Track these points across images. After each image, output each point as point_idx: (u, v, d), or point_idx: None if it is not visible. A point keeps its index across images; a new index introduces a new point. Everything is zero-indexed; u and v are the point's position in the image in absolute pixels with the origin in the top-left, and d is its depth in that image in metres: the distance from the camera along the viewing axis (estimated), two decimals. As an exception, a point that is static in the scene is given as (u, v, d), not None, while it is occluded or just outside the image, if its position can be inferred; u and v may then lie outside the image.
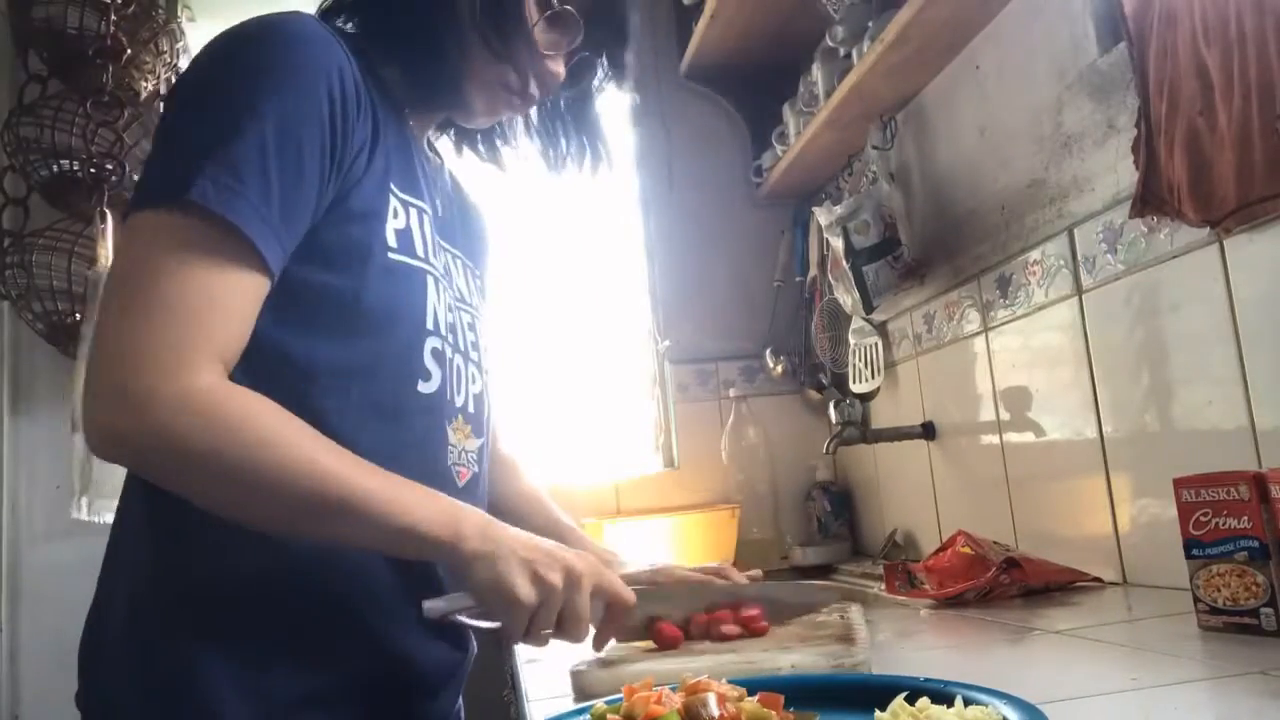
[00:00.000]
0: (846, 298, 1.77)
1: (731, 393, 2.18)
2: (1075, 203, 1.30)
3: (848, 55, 1.70)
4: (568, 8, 0.88)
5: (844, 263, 1.70)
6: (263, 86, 0.72)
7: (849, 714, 0.62)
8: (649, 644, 0.88)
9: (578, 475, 2.17)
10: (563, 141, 1.02)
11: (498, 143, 1.05)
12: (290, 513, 0.70)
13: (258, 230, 0.70)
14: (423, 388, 0.83)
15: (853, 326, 1.93)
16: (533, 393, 2.23)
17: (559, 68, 0.91)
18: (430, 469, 0.79)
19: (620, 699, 0.62)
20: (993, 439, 1.53)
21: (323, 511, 0.70)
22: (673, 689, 0.61)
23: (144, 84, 2.06)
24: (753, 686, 0.62)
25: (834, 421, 1.85)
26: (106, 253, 1.88)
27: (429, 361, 0.83)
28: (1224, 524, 0.83)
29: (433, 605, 0.75)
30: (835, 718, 0.62)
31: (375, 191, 0.80)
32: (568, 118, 1.02)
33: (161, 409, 0.66)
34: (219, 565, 0.77)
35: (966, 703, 0.58)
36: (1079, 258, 1.29)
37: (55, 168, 1.95)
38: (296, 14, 0.77)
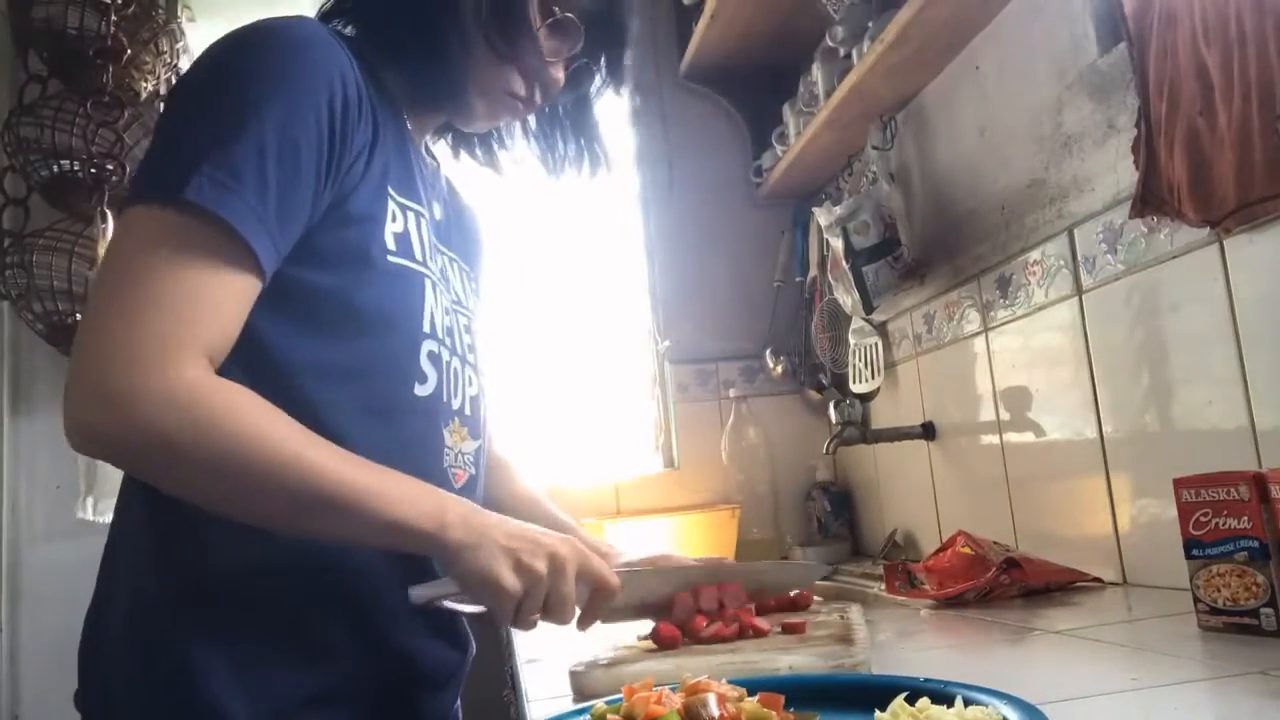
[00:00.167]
0: (846, 298, 1.77)
1: (731, 393, 2.18)
2: (1075, 203, 1.30)
3: (848, 55, 1.70)
4: (569, 15, 0.88)
5: (844, 263, 1.70)
6: (264, 89, 0.72)
7: (849, 714, 0.62)
8: (649, 644, 0.88)
9: (578, 475, 2.17)
10: (561, 146, 1.03)
11: (495, 147, 1.05)
12: (275, 506, 0.70)
13: (252, 229, 0.70)
14: (419, 390, 0.83)
15: (853, 327, 1.93)
16: (533, 393, 2.23)
17: (560, 73, 0.91)
18: (426, 471, 0.80)
19: (620, 699, 0.62)
20: (993, 439, 1.53)
21: (307, 505, 0.70)
22: (673, 689, 0.61)
23: (144, 84, 2.06)
24: (753, 686, 0.62)
25: (834, 421, 1.85)
26: (106, 253, 1.88)
27: (425, 364, 0.84)
28: (1224, 524, 0.83)
29: (419, 592, 0.75)
30: (835, 718, 0.62)
31: (374, 195, 0.80)
32: (566, 122, 1.02)
33: (146, 403, 0.65)
34: (218, 564, 0.77)
35: (966, 703, 0.58)
36: (1079, 258, 1.29)
37: (55, 168, 1.95)
38: (301, 18, 0.78)
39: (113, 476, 1.87)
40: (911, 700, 0.59)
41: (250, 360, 0.74)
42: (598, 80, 0.99)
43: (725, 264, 2.28)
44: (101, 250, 1.89)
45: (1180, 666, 0.75)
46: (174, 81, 2.02)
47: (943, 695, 0.60)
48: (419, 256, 0.84)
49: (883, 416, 1.94)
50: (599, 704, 0.64)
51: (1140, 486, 1.21)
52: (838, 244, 1.71)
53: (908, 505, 1.86)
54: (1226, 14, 1.01)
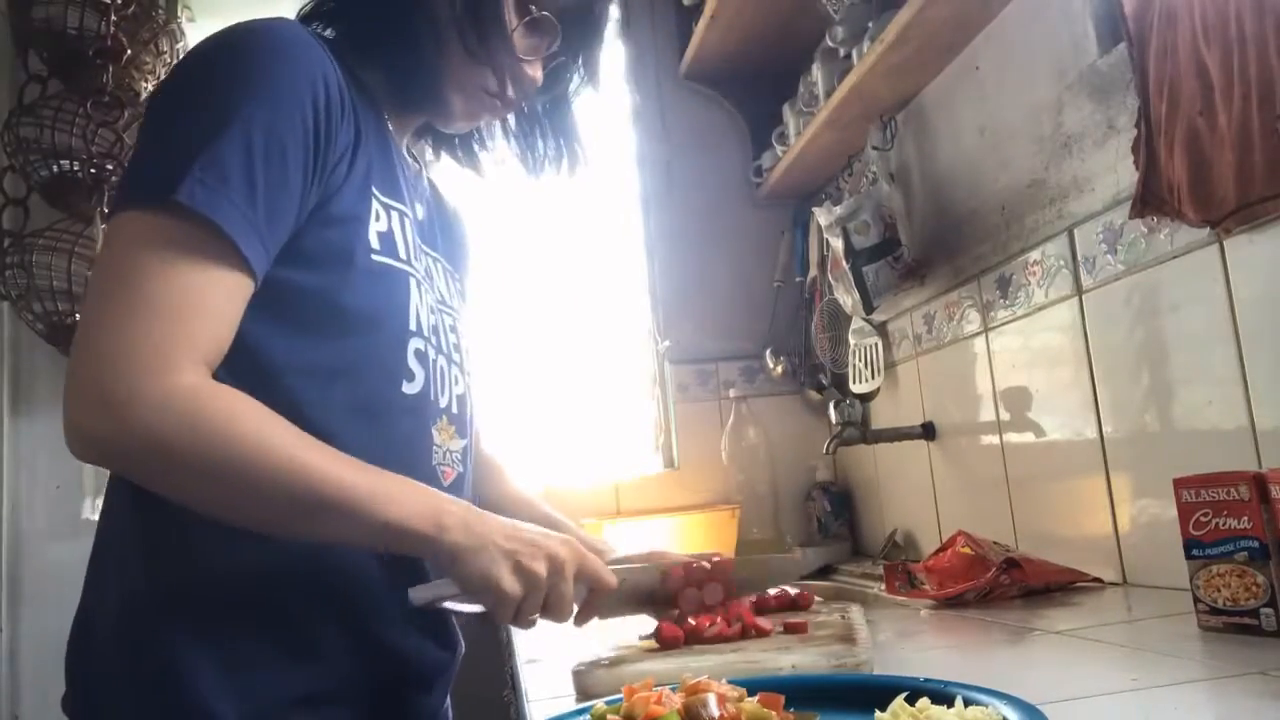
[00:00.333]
0: (846, 298, 1.77)
1: (731, 393, 2.18)
2: (1075, 203, 1.30)
3: (848, 55, 1.70)
4: (545, 13, 0.88)
5: (844, 263, 1.70)
6: (249, 90, 0.72)
7: (849, 714, 0.62)
8: (649, 644, 0.88)
9: (578, 475, 2.17)
10: (540, 144, 1.03)
11: (475, 147, 1.05)
12: (273, 511, 0.70)
13: (241, 231, 0.70)
14: (407, 388, 0.83)
15: (853, 327, 1.93)
16: (534, 393, 2.23)
17: (537, 72, 0.92)
18: (415, 469, 0.79)
19: (620, 699, 0.62)
20: (993, 439, 1.53)
21: (305, 509, 0.70)
22: (673, 689, 0.61)
23: (144, 84, 2.06)
24: (753, 686, 0.62)
25: (834, 422, 1.85)
26: (106, 253, 1.88)
27: (412, 362, 0.84)
28: (1224, 524, 0.83)
29: (418, 593, 0.75)
30: (835, 718, 0.62)
31: (357, 195, 0.80)
32: (545, 121, 1.02)
33: (144, 409, 0.66)
34: (206, 565, 0.77)
35: (966, 703, 0.58)
36: (1079, 258, 1.29)
37: (55, 168, 1.95)
38: (282, 19, 0.78)
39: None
40: (911, 700, 0.59)
41: (236, 361, 0.74)
42: (576, 79, 0.99)
43: (725, 264, 2.28)
44: (101, 250, 1.89)
45: (1180, 667, 0.75)
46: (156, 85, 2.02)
47: (943, 695, 0.60)
48: (403, 255, 0.84)
49: (883, 417, 1.94)
50: (599, 704, 0.64)
51: (1140, 486, 1.21)
52: (838, 244, 1.71)
53: (908, 505, 1.86)
54: (1226, 14, 1.01)
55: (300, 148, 0.74)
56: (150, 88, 2.07)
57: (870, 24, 1.59)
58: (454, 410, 0.90)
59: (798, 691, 0.64)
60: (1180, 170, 1.07)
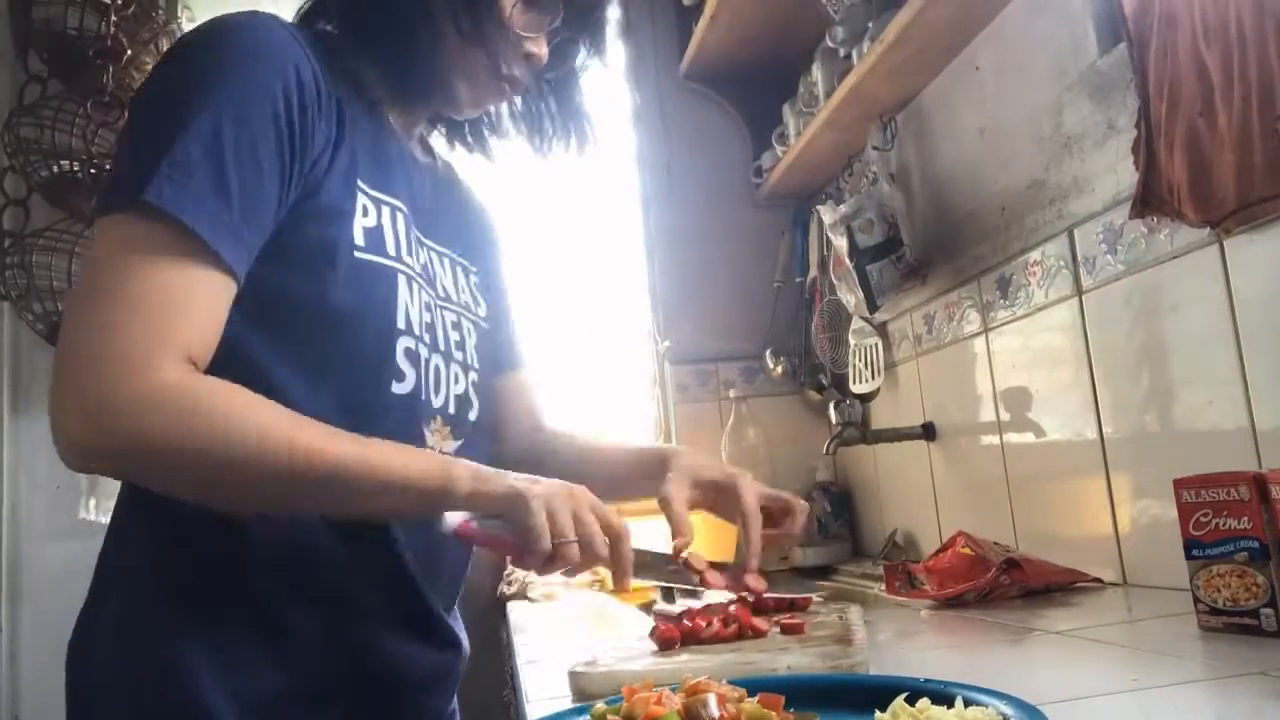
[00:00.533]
0: (849, 297, 1.77)
1: (731, 393, 2.18)
2: (1075, 203, 1.30)
3: (848, 56, 1.70)
4: None
5: (847, 262, 1.70)
6: (213, 86, 0.72)
7: (849, 715, 0.62)
8: (650, 644, 0.88)
9: (578, 476, 2.17)
10: (547, 123, 1.01)
11: (485, 132, 1.04)
12: (276, 490, 0.70)
13: (212, 229, 0.70)
14: (396, 388, 0.82)
15: (853, 327, 1.93)
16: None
17: (541, 48, 0.91)
18: None
19: (620, 699, 0.61)
20: (993, 440, 1.53)
21: (313, 484, 0.70)
22: (673, 689, 0.61)
23: (144, 84, 2.06)
24: (753, 687, 0.62)
25: (834, 422, 1.85)
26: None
27: (402, 362, 0.82)
28: (1224, 524, 0.83)
29: (452, 515, 0.75)
30: (835, 718, 0.62)
31: (340, 190, 0.80)
32: (551, 100, 1.01)
33: (131, 410, 0.65)
34: (205, 567, 0.77)
35: (967, 703, 0.58)
36: (1079, 258, 1.29)
37: (55, 168, 1.95)
38: (253, 13, 0.77)
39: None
40: (912, 701, 0.59)
41: (222, 361, 0.74)
42: (582, 53, 0.98)
43: (725, 264, 2.28)
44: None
45: (1180, 667, 0.75)
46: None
47: (943, 696, 0.60)
48: (392, 251, 0.83)
49: (883, 417, 1.94)
50: (599, 704, 0.64)
51: (1140, 487, 1.21)
52: (841, 242, 1.71)
53: (908, 506, 1.86)
54: (1226, 14, 1.01)
55: (271, 141, 0.73)
56: (150, 88, 2.07)
57: (870, 24, 1.59)
58: (450, 410, 0.89)
59: (798, 692, 0.64)
60: (1180, 170, 1.07)
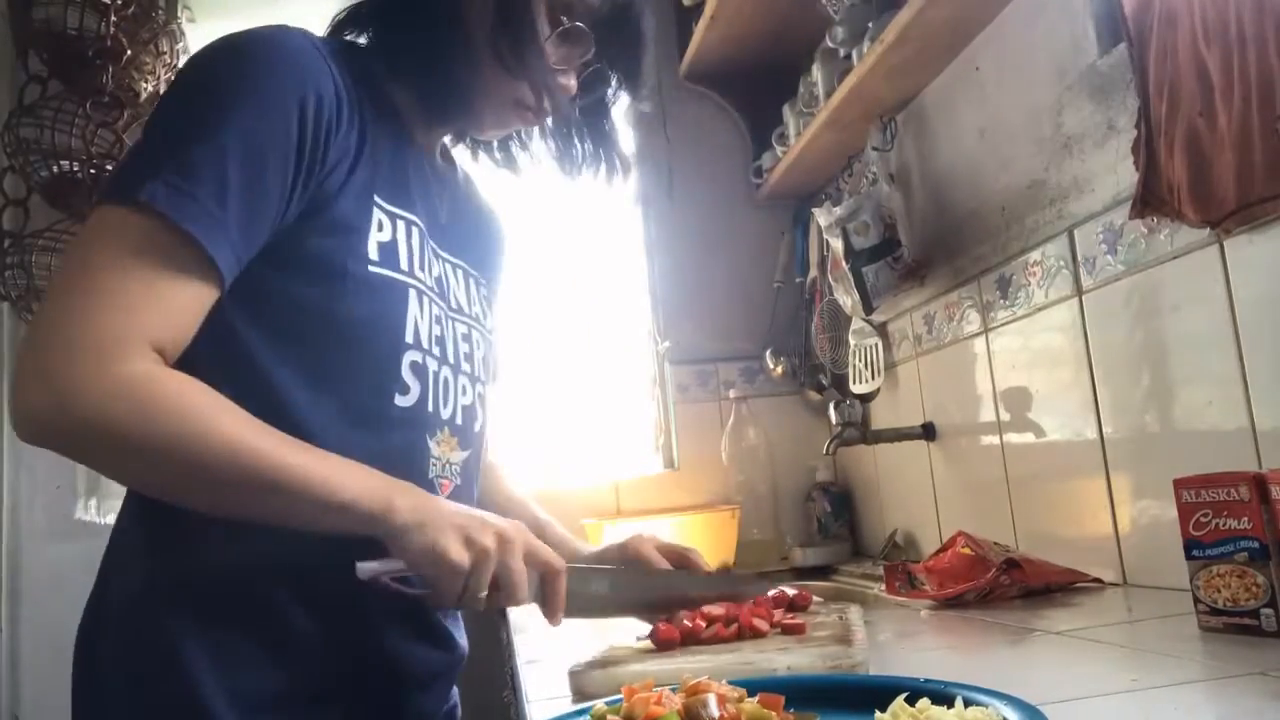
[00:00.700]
0: (846, 298, 1.77)
1: (731, 393, 2.18)
2: (1075, 203, 1.30)
3: (848, 56, 1.70)
4: (579, 24, 0.88)
5: (844, 263, 1.70)
6: (231, 96, 0.73)
7: (849, 715, 0.62)
8: (646, 645, 0.88)
9: (578, 476, 2.17)
10: (577, 150, 1.02)
11: (514, 149, 1.04)
12: (224, 492, 0.71)
13: (206, 232, 0.70)
14: (400, 401, 0.83)
15: (853, 327, 1.93)
16: (534, 394, 2.23)
17: (570, 81, 0.91)
18: (410, 481, 0.79)
19: (620, 700, 0.61)
20: (993, 440, 1.53)
21: (256, 490, 0.70)
22: (673, 690, 0.61)
23: (144, 85, 2.06)
24: (753, 687, 0.62)
25: (834, 422, 1.85)
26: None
27: (407, 375, 0.83)
28: (1224, 525, 0.83)
29: (366, 566, 0.74)
30: (835, 718, 0.62)
31: (356, 204, 0.80)
32: (582, 127, 1.01)
33: (91, 395, 0.66)
34: (205, 563, 0.77)
35: (966, 704, 0.58)
36: (1079, 258, 1.29)
37: (55, 169, 1.95)
38: (282, 28, 0.78)
39: (113, 477, 1.86)
40: (911, 701, 0.59)
41: (232, 367, 0.75)
42: (613, 85, 0.98)
43: (725, 264, 2.28)
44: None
45: (1180, 667, 0.75)
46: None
47: (943, 696, 0.60)
48: (405, 266, 0.83)
49: (883, 417, 1.94)
50: (599, 704, 0.64)
51: (1140, 487, 1.21)
52: (838, 244, 1.71)
53: (908, 506, 1.86)
54: (1226, 14, 1.01)
55: (280, 153, 0.74)
56: (150, 88, 2.07)
57: (870, 24, 1.59)
58: (457, 422, 0.90)
59: (798, 692, 0.64)
60: (1180, 171, 1.07)
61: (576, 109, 0.98)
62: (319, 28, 0.89)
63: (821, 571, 1.93)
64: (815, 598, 1.07)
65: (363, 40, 0.90)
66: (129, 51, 1.99)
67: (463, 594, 0.75)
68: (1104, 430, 1.26)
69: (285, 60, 0.76)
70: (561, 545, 1.04)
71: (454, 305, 0.92)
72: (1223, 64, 1.02)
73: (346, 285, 0.79)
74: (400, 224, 0.84)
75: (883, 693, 0.60)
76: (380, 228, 0.82)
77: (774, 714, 0.58)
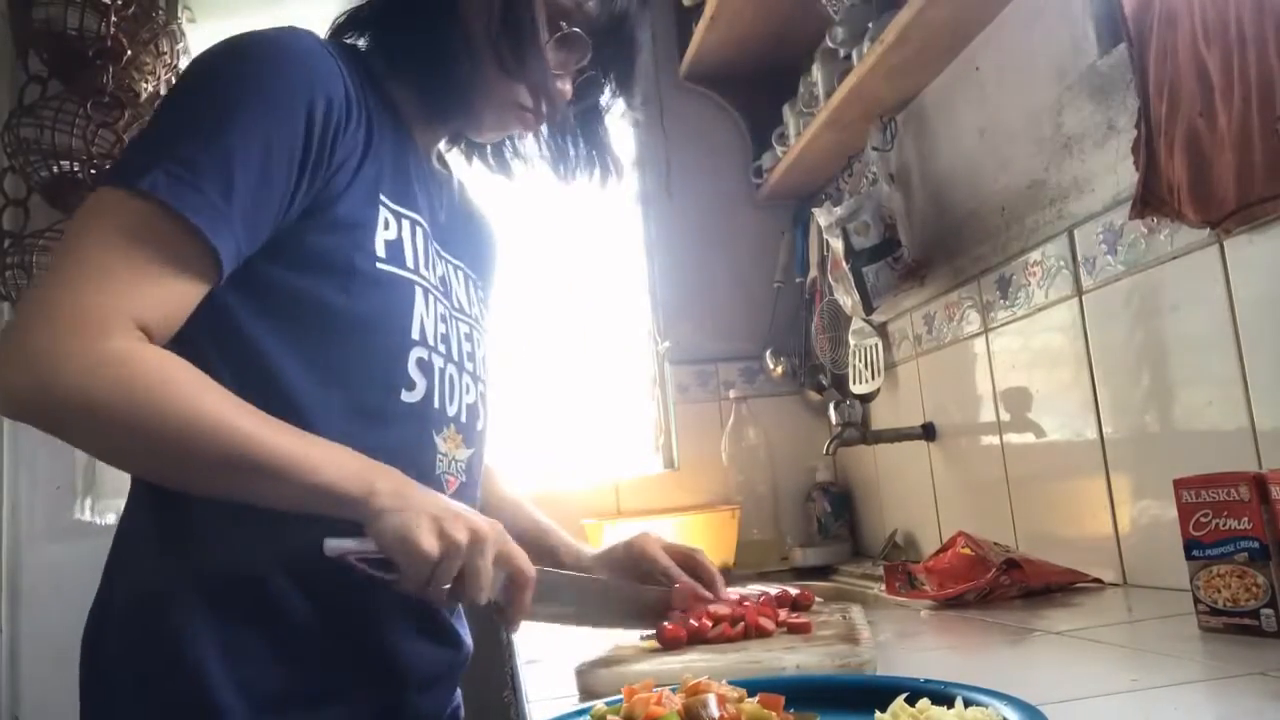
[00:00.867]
0: (846, 299, 1.77)
1: (731, 394, 2.18)
2: (1075, 204, 1.30)
3: (848, 56, 1.70)
4: (576, 30, 0.89)
5: (844, 263, 1.71)
6: (240, 94, 0.74)
7: (849, 715, 0.62)
8: (651, 644, 0.88)
9: (578, 476, 2.17)
10: (572, 154, 1.03)
11: (507, 154, 1.05)
12: (205, 471, 0.71)
13: (209, 223, 0.71)
14: (406, 397, 0.84)
15: (853, 327, 1.93)
16: (534, 394, 2.23)
17: (567, 86, 0.93)
18: (417, 476, 0.80)
19: (620, 700, 0.62)
20: (993, 440, 1.53)
21: (236, 469, 0.70)
22: (673, 690, 0.61)
23: (144, 85, 2.06)
24: (753, 687, 0.62)
25: (834, 422, 1.85)
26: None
27: (413, 371, 0.84)
28: (1224, 525, 0.83)
29: (335, 543, 0.74)
30: (835, 718, 0.62)
31: (364, 202, 0.81)
32: (577, 132, 1.02)
33: (74, 369, 0.67)
34: (215, 563, 0.78)
35: (967, 704, 0.58)
36: (1079, 258, 1.29)
37: (55, 169, 1.95)
38: (293, 29, 0.79)
39: (112, 477, 1.87)
40: (912, 701, 0.59)
41: (239, 362, 0.76)
42: (607, 91, 0.99)
43: (725, 264, 2.28)
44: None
45: (1180, 667, 0.75)
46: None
47: (943, 696, 0.60)
48: (410, 264, 0.84)
49: (883, 417, 1.94)
50: (599, 704, 0.64)
51: (1140, 487, 1.21)
52: (838, 244, 1.71)
53: (908, 506, 1.86)
54: (1226, 15, 1.01)
55: (286, 149, 0.74)
56: (150, 89, 2.07)
57: (870, 24, 1.59)
58: (462, 419, 0.91)
59: (798, 692, 0.64)
60: (1180, 171, 1.07)
61: (572, 113, 0.99)
62: (319, 28, 0.89)
63: (821, 572, 1.93)
64: (816, 598, 1.07)
65: (362, 43, 0.91)
66: (129, 52, 1.99)
67: (427, 583, 0.74)
68: (1104, 430, 1.26)
69: (293, 62, 0.76)
70: (564, 550, 1.04)
71: (456, 305, 0.93)
72: (1223, 64, 1.02)
73: (354, 281, 0.79)
74: (405, 223, 0.85)
75: (883, 693, 0.60)
76: (386, 225, 0.83)
77: (774, 714, 0.59)
